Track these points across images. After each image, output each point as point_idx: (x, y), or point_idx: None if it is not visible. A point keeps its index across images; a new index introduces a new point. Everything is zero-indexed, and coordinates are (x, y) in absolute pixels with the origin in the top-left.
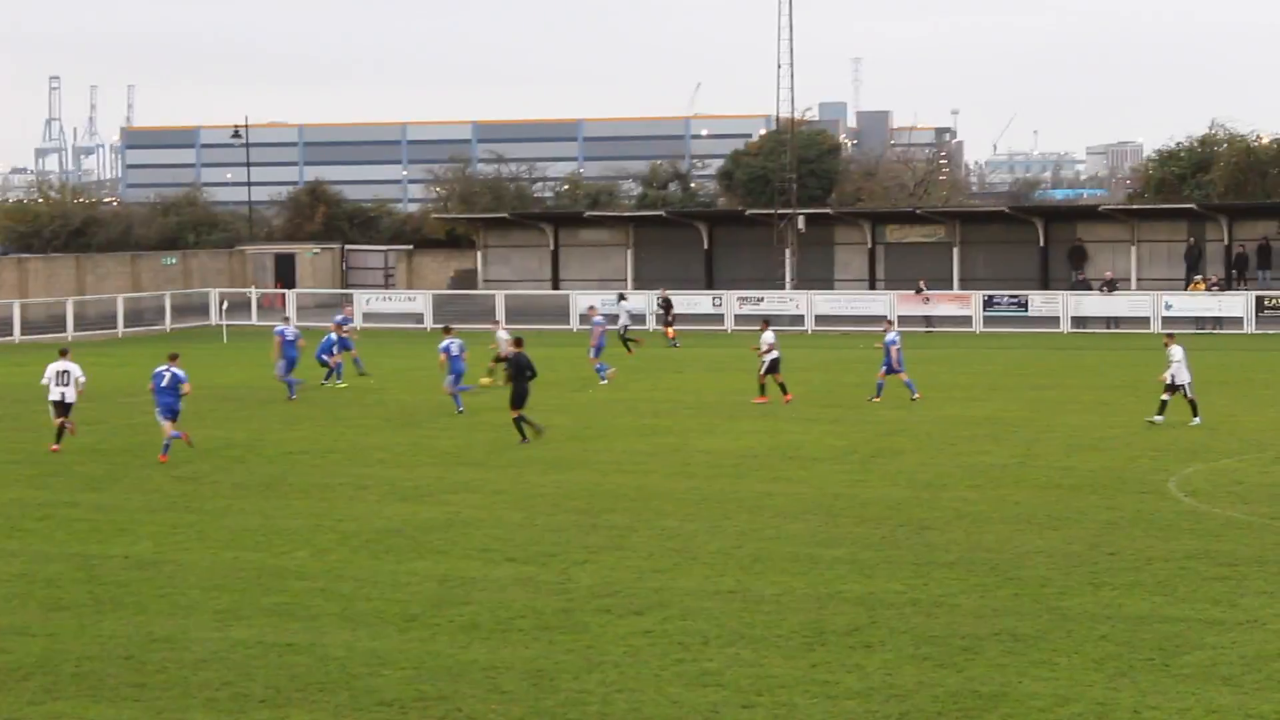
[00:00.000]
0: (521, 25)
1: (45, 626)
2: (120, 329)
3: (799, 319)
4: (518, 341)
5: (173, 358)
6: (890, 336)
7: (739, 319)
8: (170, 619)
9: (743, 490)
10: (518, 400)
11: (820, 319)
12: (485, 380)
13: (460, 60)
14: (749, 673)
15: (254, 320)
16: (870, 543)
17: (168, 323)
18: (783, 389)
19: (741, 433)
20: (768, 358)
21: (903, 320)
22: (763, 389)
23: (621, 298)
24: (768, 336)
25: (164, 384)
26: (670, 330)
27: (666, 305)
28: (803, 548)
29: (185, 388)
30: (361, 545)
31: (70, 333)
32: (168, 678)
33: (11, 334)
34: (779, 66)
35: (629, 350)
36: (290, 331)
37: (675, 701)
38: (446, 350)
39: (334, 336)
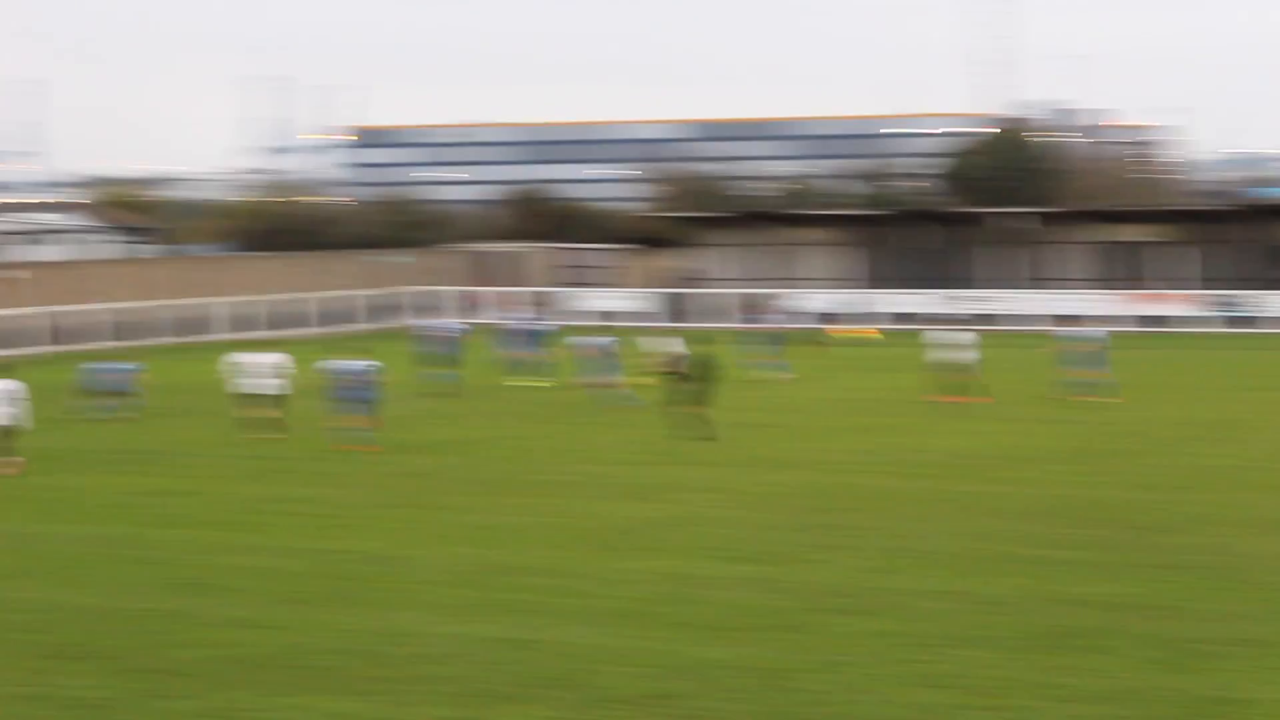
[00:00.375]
0: (729, 24)
1: (287, 619)
2: (355, 325)
3: (1030, 318)
4: (705, 343)
5: (362, 353)
6: (1092, 332)
7: (969, 319)
8: (410, 613)
9: (972, 490)
10: (699, 399)
11: (1047, 319)
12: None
13: (676, 59)
14: (987, 675)
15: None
16: (1103, 545)
17: (405, 319)
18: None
19: (964, 433)
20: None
21: (1132, 320)
22: (970, 388)
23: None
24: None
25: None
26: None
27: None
28: (1036, 549)
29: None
30: (596, 542)
31: (311, 329)
32: (411, 672)
33: (257, 329)
34: (1001, 65)
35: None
36: (455, 326)
37: (917, 704)
38: (590, 346)
39: (534, 330)
